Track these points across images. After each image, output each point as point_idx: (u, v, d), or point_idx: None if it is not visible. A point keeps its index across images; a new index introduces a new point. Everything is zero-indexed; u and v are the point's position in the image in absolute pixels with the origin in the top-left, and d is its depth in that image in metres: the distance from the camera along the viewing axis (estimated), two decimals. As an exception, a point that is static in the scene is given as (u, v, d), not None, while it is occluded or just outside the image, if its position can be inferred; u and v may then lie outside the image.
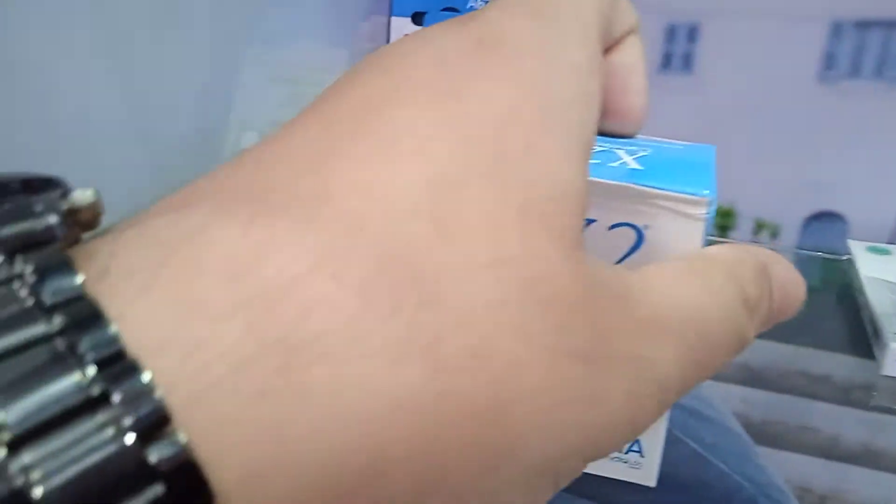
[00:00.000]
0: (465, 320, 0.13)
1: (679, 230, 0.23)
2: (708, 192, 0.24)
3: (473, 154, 0.14)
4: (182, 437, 0.11)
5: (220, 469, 0.11)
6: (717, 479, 0.38)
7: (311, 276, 0.12)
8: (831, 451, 0.44)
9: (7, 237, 0.11)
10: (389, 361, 0.12)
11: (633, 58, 0.20)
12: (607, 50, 0.19)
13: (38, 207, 0.12)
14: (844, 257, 0.56)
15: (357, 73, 0.15)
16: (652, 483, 0.30)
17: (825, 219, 0.60)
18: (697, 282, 0.17)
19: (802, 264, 0.60)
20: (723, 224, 0.61)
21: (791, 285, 0.18)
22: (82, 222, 0.13)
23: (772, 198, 0.60)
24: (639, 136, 0.24)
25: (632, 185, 0.24)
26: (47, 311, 0.11)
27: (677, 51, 0.59)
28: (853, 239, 0.57)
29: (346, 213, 0.13)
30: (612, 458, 0.30)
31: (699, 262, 0.17)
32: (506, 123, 0.15)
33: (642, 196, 0.25)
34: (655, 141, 0.28)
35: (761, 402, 0.44)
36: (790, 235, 0.61)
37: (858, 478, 0.42)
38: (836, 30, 0.55)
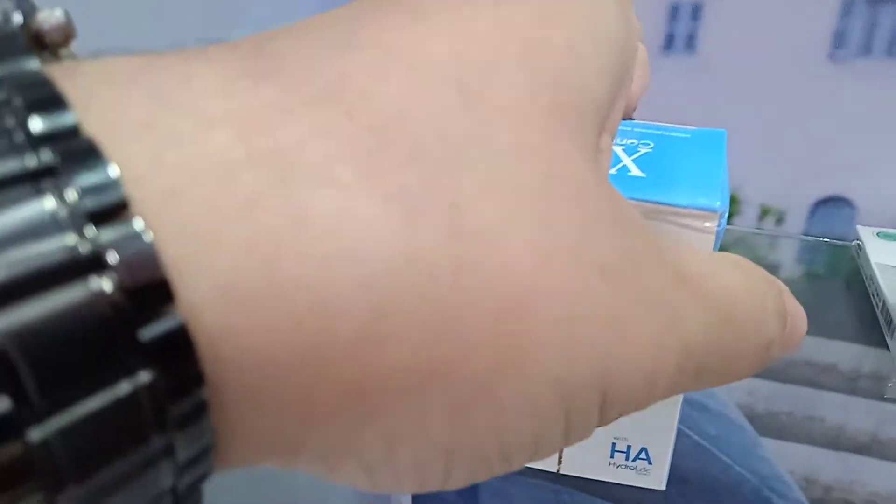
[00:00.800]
0: (486, 192, 0.11)
1: (689, 244, 0.22)
2: (719, 203, 0.22)
3: (511, 40, 0.13)
4: (142, 228, 0.09)
5: (190, 284, 0.10)
6: (721, 472, 0.38)
7: (323, 110, 0.11)
8: (837, 442, 0.43)
9: None
10: (405, 209, 0.11)
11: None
12: None
13: None
14: (853, 243, 0.55)
15: None
16: (661, 486, 0.29)
17: (832, 204, 0.59)
18: (739, 273, 0.16)
19: (809, 250, 0.59)
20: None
21: (799, 319, 0.17)
22: (53, 44, 0.12)
23: (777, 183, 0.59)
24: (642, 120, 0.23)
25: (635, 202, 0.22)
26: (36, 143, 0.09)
27: (680, 31, 0.58)
28: (861, 224, 0.56)
29: (371, 60, 0.12)
30: (620, 467, 0.29)
31: (742, 261, 0.16)
32: (552, 17, 0.14)
33: (647, 212, 0.23)
34: (660, 128, 0.26)
35: (766, 393, 0.44)
36: (796, 221, 0.60)
37: (865, 468, 0.42)
38: (847, 6, 0.53)
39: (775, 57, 0.56)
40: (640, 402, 0.14)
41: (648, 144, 0.25)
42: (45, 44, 0.12)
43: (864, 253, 0.53)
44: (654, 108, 0.25)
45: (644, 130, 0.26)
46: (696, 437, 0.40)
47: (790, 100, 0.57)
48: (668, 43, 0.58)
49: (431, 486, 0.13)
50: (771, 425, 0.43)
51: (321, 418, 0.11)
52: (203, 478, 0.11)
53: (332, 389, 0.11)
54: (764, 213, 0.60)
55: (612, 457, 0.29)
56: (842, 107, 0.56)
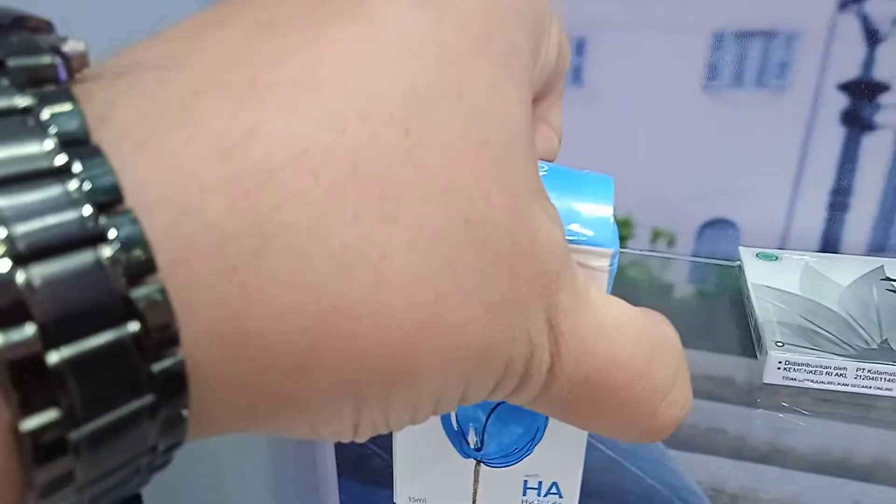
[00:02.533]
0: (413, 243, 0.13)
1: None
2: (613, 245, 0.23)
3: (447, 74, 0.14)
4: (162, 284, 0.12)
5: (186, 324, 0.12)
6: (633, 484, 0.38)
7: (292, 168, 0.13)
8: (740, 452, 0.44)
9: (15, 69, 0.12)
10: (341, 265, 0.13)
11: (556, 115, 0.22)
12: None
13: (43, 45, 0.12)
14: (737, 263, 0.58)
15: None
16: None
17: (718, 226, 0.61)
18: (640, 343, 0.17)
19: (699, 271, 0.61)
20: (621, 234, 0.62)
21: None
22: (71, 71, 0.13)
23: (667, 206, 0.61)
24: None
25: None
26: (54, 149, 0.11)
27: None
28: (744, 245, 0.59)
29: (330, 110, 0.13)
30: (533, 503, 0.30)
31: (656, 330, 0.18)
32: (479, 49, 0.15)
33: None
34: (548, 166, 0.26)
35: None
36: (686, 243, 0.62)
37: (768, 476, 0.43)
38: (718, 40, 0.56)
39: (656, 88, 0.58)
40: (483, 400, 0.16)
41: (542, 168, 0.25)
42: (69, 70, 0.13)
43: (744, 273, 0.55)
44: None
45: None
46: (607, 451, 0.40)
47: (671, 128, 0.59)
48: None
49: (344, 439, 0.16)
50: (676, 437, 0.43)
51: (257, 421, 0.14)
52: (177, 445, 0.13)
53: (267, 403, 0.14)
54: (655, 235, 0.62)
55: (524, 494, 0.30)
56: (719, 134, 0.59)
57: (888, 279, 0.54)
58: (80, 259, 0.11)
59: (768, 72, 0.56)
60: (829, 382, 0.46)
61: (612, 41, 0.58)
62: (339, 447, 0.42)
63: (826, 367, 0.46)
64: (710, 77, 0.57)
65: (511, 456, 0.30)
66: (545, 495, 0.30)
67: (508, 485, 0.30)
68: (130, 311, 0.11)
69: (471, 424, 0.29)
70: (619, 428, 0.18)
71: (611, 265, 0.23)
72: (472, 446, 0.29)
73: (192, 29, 0.14)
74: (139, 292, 0.11)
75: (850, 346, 0.47)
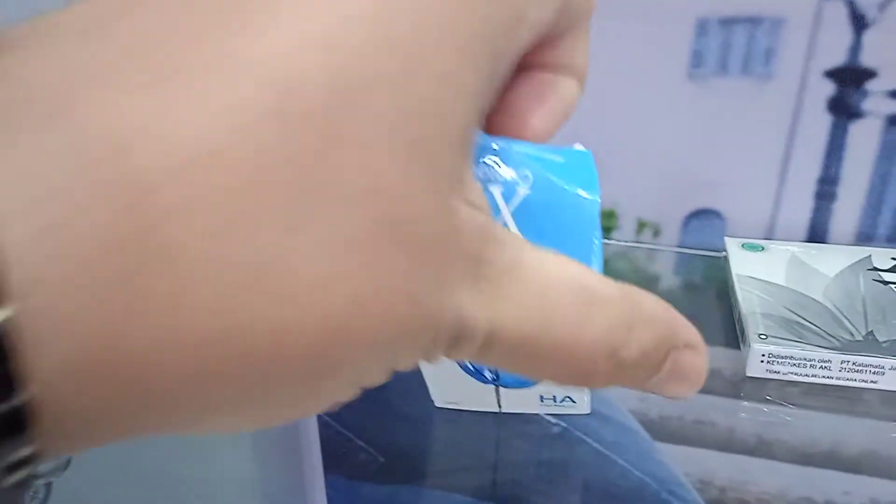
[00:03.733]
0: (322, 252, 0.13)
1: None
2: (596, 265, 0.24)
3: (386, 61, 0.13)
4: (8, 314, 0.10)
5: (43, 355, 0.11)
6: (621, 477, 0.38)
7: (183, 174, 0.11)
8: (728, 444, 0.44)
9: None
10: (235, 284, 0.12)
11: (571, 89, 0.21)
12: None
13: None
14: (722, 254, 0.57)
15: None
16: (587, 410, 0.33)
17: (703, 216, 0.61)
18: (574, 298, 0.17)
19: (685, 262, 0.61)
20: (606, 225, 0.62)
21: (696, 372, 0.19)
22: None
23: (652, 197, 0.61)
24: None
25: None
26: None
27: (551, 53, 0.59)
28: (729, 235, 0.58)
29: (238, 103, 0.12)
30: (549, 406, 0.33)
31: (595, 286, 0.18)
32: (434, 31, 0.14)
33: None
34: (535, 149, 0.26)
35: (658, 399, 0.44)
36: (672, 234, 0.62)
37: (755, 469, 0.43)
38: (702, 28, 0.56)
39: (640, 77, 0.58)
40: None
41: (528, 179, 0.25)
42: None
43: (729, 264, 0.55)
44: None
45: (522, 151, 0.26)
46: (595, 445, 0.40)
47: (656, 117, 0.59)
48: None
49: (247, 430, 0.15)
50: (664, 430, 0.43)
51: (146, 431, 0.13)
52: (28, 479, 0.12)
53: (158, 422, 0.13)
54: (641, 226, 0.62)
55: (542, 402, 0.34)
56: (705, 123, 0.58)
57: (875, 269, 0.54)
58: None
59: (754, 59, 0.56)
60: (813, 375, 0.46)
61: (594, 28, 0.57)
62: (325, 442, 0.42)
63: (810, 360, 0.46)
64: (694, 65, 0.57)
65: (526, 381, 0.32)
66: (560, 402, 0.33)
67: (527, 397, 0.33)
68: None
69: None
70: (565, 379, 0.18)
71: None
72: (489, 378, 0.31)
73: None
74: None
75: (835, 338, 0.47)
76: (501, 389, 0.32)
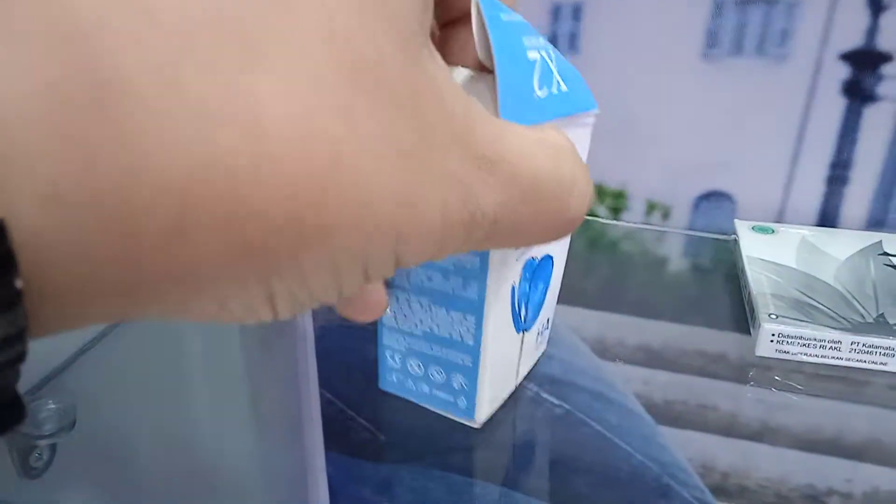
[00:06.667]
0: (289, 90, 0.12)
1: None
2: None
3: None
4: None
5: (7, 187, 0.11)
6: (623, 461, 0.38)
7: (128, 11, 0.11)
8: (731, 429, 0.44)
9: None
10: (201, 117, 0.12)
11: None
12: None
13: None
14: (732, 237, 0.57)
15: None
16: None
17: (714, 198, 0.60)
18: (549, 157, 0.18)
19: (694, 244, 0.60)
20: (615, 206, 0.61)
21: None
22: None
23: (662, 178, 0.60)
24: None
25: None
26: None
27: (563, 30, 0.58)
28: (740, 218, 0.58)
29: None
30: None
31: (558, 141, 0.18)
32: None
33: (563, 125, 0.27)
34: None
35: (662, 382, 0.44)
36: (681, 216, 0.61)
37: (759, 454, 0.42)
38: (718, 6, 0.55)
39: (653, 56, 0.57)
40: (432, 258, 0.16)
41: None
42: None
43: (739, 246, 0.54)
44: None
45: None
46: (598, 427, 0.40)
47: (669, 97, 0.58)
48: (552, 42, 0.59)
49: (265, 317, 0.15)
50: (667, 414, 0.43)
51: (145, 299, 0.13)
52: (19, 357, 0.12)
53: (148, 277, 0.12)
54: (650, 208, 0.61)
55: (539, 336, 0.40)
56: (716, 104, 0.58)
57: (886, 254, 0.53)
58: None
59: (769, 40, 0.55)
60: (823, 356, 0.45)
61: (608, 7, 0.56)
62: (326, 420, 0.42)
63: (820, 341, 0.45)
64: (709, 45, 0.56)
65: (537, 311, 0.36)
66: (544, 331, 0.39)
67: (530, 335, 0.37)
68: None
69: (522, 302, 0.33)
70: (546, 231, 0.18)
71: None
72: (523, 321, 0.35)
73: None
74: None
75: (845, 319, 0.46)
76: (524, 336, 0.36)
